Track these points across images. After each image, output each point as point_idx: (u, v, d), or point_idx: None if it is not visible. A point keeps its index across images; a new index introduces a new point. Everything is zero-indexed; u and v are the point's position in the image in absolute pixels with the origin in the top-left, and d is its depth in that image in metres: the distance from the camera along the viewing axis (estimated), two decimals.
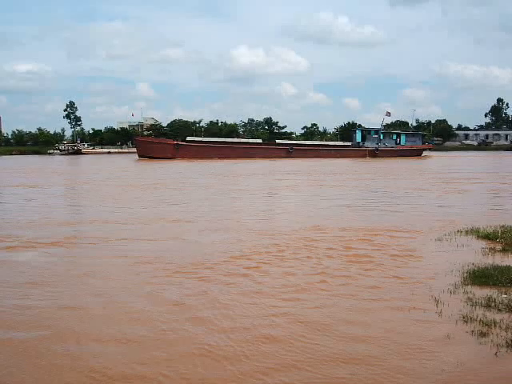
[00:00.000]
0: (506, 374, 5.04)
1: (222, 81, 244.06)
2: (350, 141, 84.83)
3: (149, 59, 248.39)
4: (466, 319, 6.35)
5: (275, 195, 23.15)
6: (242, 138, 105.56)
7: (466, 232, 11.99)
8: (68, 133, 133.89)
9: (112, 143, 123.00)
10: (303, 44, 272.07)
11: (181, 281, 8.32)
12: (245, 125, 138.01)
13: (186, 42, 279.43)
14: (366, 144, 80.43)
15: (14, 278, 8.57)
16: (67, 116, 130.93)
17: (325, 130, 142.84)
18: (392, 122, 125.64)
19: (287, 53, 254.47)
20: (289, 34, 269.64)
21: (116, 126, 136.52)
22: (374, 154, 77.55)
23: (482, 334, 5.89)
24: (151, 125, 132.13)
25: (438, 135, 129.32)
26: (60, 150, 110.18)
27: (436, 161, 65.50)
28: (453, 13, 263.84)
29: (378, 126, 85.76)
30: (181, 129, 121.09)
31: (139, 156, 71.08)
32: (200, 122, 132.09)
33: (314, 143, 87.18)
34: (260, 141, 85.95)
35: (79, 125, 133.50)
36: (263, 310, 6.88)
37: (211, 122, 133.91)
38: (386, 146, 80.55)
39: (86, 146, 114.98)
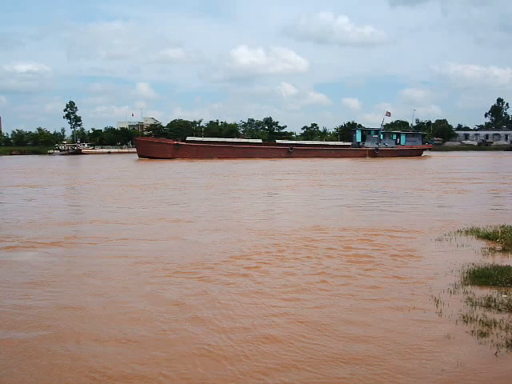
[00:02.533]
0: (506, 373, 5.04)
1: (221, 81, 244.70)
2: (350, 141, 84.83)
3: (149, 59, 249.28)
4: (466, 319, 6.35)
5: (275, 195, 23.15)
6: (242, 138, 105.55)
7: (466, 232, 11.99)
8: (68, 133, 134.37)
9: (112, 143, 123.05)
10: (303, 44, 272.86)
11: (181, 281, 8.32)
12: (245, 125, 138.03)
13: (186, 42, 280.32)
14: (366, 144, 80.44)
15: (14, 278, 8.57)
16: (67, 116, 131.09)
17: (325, 130, 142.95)
18: (392, 122, 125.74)
19: (287, 53, 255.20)
20: (289, 34, 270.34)
21: (116, 126, 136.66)
22: (374, 154, 77.56)
23: (482, 334, 5.89)
24: (151, 125, 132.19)
25: (437, 135, 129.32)
26: (60, 150, 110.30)
27: (436, 161, 65.50)
28: (453, 13, 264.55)
29: (378, 126, 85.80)
30: (181, 129, 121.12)
31: (139, 156, 71.12)
32: (200, 122, 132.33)
33: (314, 143, 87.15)
34: (260, 141, 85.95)
35: (79, 125, 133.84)
36: (263, 310, 6.88)
37: (211, 122, 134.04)
38: (386, 146, 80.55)
39: (86, 146, 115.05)
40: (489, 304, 6.80)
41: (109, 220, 14.84)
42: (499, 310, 6.62)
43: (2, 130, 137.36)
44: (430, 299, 7.19)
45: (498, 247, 10.28)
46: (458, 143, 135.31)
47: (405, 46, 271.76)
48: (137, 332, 6.18)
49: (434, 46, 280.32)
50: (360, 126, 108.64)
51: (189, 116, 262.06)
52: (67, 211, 18.34)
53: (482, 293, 7.31)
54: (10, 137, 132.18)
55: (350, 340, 5.88)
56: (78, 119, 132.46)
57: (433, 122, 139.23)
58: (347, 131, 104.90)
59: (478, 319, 6.32)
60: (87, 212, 17.52)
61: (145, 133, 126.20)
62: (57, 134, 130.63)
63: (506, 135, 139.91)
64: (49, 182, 31.33)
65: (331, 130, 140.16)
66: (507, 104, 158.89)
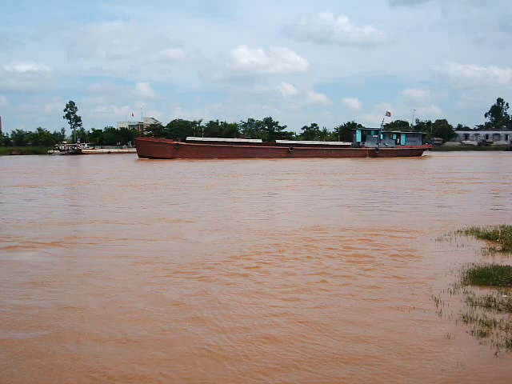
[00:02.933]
0: (506, 373, 5.04)
1: (221, 81, 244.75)
2: (350, 141, 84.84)
3: (149, 59, 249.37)
4: (466, 319, 6.35)
5: (275, 195, 23.15)
6: (242, 138, 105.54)
7: (466, 232, 11.99)
8: (68, 133, 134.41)
9: (112, 143, 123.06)
10: (303, 44, 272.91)
11: (181, 281, 8.32)
12: (245, 125, 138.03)
13: (186, 42, 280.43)
14: (366, 144, 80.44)
15: (14, 278, 8.57)
16: (67, 116, 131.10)
17: (325, 130, 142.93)
18: (392, 122, 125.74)
19: (287, 53, 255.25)
20: (289, 34, 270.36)
21: (116, 126, 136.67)
22: (374, 154, 77.57)
23: (482, 334, 5.89)
24: (151, 125, 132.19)
25: (437, 135, 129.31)
26: (60, 150, 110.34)
27: (436, 161, 65.49)
28: (453, 13, 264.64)
29: (378, 126, 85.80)
30: (181, 129, 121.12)
31: (139, 156, 71.13)
32: (200, 122, 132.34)
33: (314, 143, 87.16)
34: (260, 141, 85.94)
35: (79, 125, 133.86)
36: (263, 310, 6.88)
37: (211, 121, 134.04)
38: (386, 146, 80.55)
39: (86, 146, 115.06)
40: (489, 304, 6.80)
41: (109, 220, 14.84)
42: (499, 310, 6.62)
43: (2, 130, 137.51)
44: (430, 299, 7.19)
45: (498, 247, 10.28)
46: (458, 143, 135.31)
47: (405, 45, 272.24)
48: (137, 332, 6.18)
49: (434, 46, 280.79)
50: (360, 126, 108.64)
51: (189, 116, 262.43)
52: (67, 211, 18.34)
53: (481, 293, 7.31)
54: (9, 137, 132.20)
55: (350, 340, 5.88)
56: (78, 119, 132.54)
57: (433, 122, 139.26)
58: (347, 131, 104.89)
59: (478, 319, 6.32)
60: (87, 212, 17.52)
61: (145, 133, 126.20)
62: (57, 134, 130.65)
63: (506, 135, 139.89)
64: (49, 182, 31.32)
65: (331, 130, 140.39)
66: (507, 104, 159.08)
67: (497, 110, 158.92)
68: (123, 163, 60.54)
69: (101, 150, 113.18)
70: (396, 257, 9.82)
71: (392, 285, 7.97)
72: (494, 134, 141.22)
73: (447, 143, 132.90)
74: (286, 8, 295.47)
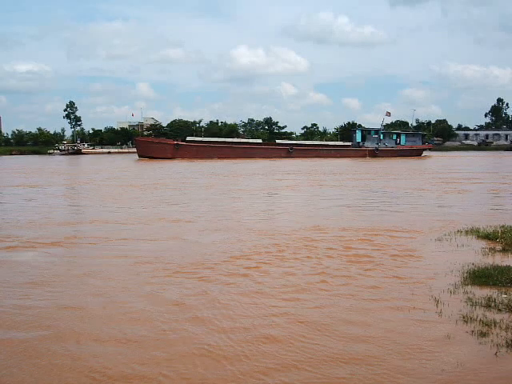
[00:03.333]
0: (506, 373, 5.04)
1: (222, 81, 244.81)
2: (350, 141, 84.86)
3: (149, 59, 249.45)
4: (466, 319, 6.35)
5: (275, 195, 23.15)
6: (242, 138, 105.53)
7: (466, 232, 11.99)
8: (68, 133, 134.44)
9: (112, 143, 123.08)
10: (303, 44, 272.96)
11: (181, 281, 8.32)
12: (245, 125, 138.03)
13: (186, 42, 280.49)
14: (366, 144, 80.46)
15: (14, 278, 8.57)
16: (67, 116, 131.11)
17: (325, 130, 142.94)
18: (392, 122, 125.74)
19: (287, 53, 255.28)
20: (289, 34, 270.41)
21: (116, 126, 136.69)
22: (374, 154, 77.58)
23: (482, 334, 5.89)
24: (151, 125, 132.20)
25: (437, 135, 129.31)
26: (60, 150, 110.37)
27: (436, 161, 65.49)
28: (453, 13, 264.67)
29: (378, 126, 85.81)
30: (181, 129, 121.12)
31: (139, 156, 71.14)
32: (200, 122, 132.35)
33: (314, 143, 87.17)
34: (260, 141, 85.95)
35: (79, 125, 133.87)
36: (263, 310, 6.88)
37: (211, 121, 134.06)
38: (386, 146, 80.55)
39: (86, 146, 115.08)
40: (489, 304, 6.80)
41: (109, 220, 14.84)
42: (499, 310, 6.62)
43: (2, 130, 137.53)
44: (430, 299, 7.19)
45: (498, 247, 10.28)
46: (458, 143, 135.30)
47: (405, 45, 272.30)
48: (137, 332, 6.18)
49: (434, 46, 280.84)
50: (360, 126, 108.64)
51: (189, 116, 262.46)
52: (67, 211, 18.34)
53: (481, 293, 7.31)
54: (9, 137, 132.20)
55: (350, 340, 5.88)
56: (77, 119, 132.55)
57: (433, 122, 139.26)
58: (347, 131, 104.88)
59: (478, 319, 6.32)
60: (87, 212, 17.52)
61: (145, 133, 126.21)
62: (57, 134, 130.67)
63: (506, 135, 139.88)
64: (49, 182, 31.32)
65: (331, 130, 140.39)
66: (507, 104, 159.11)
67: (497, 110, 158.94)
68: (123, 163, 60.54)
69: (101, 150, 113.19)
70: (396, 257, 9.82)
71: (392, 285, 7.97)
72: (494, 134, 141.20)
73: (447, 143, 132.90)
74: (286, 8, 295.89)
